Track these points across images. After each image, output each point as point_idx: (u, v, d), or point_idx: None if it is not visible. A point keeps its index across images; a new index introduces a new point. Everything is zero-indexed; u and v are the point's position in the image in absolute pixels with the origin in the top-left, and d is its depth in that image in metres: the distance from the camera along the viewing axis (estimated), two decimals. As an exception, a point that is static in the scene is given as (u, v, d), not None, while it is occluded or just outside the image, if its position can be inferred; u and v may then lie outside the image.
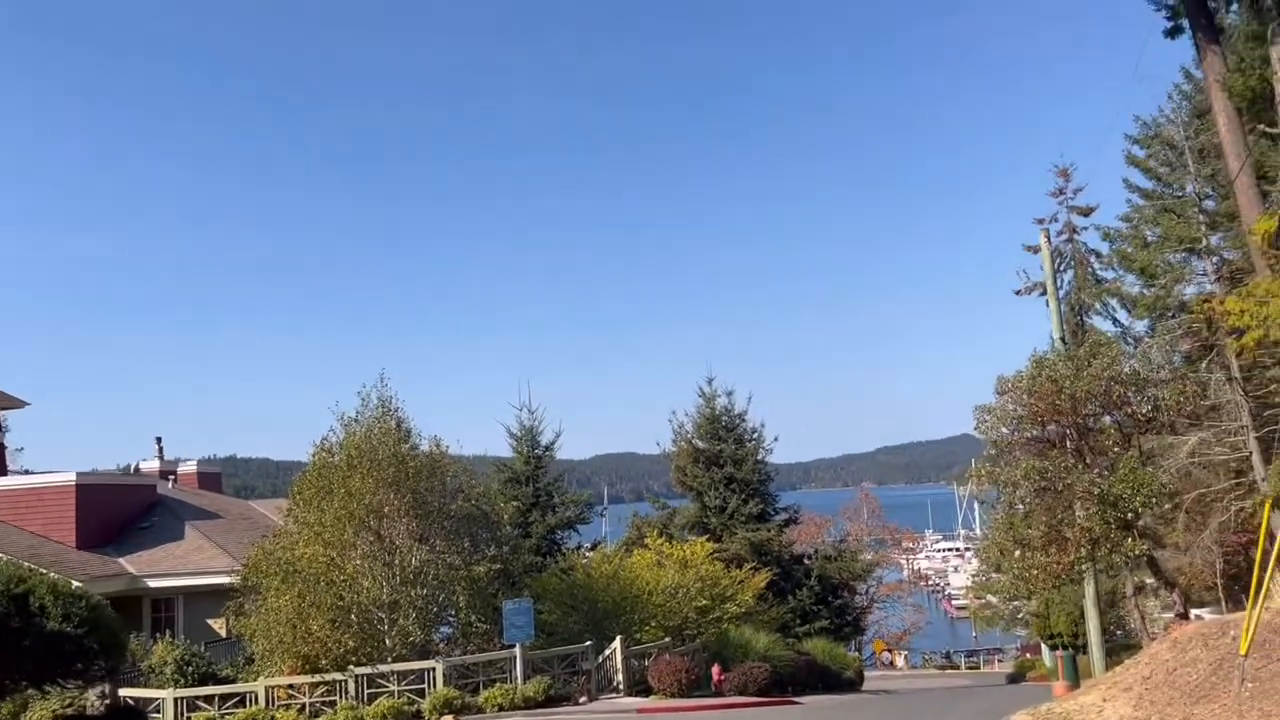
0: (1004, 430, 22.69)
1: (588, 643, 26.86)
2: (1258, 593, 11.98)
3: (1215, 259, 32.03)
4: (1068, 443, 22.47)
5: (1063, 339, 26.11)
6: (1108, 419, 22.91)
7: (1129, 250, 34.00)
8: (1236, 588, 38.87)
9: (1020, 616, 74.13)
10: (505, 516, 29.59)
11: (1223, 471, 32.33)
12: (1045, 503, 21.52)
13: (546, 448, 39.76)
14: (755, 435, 43.41)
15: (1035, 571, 21.50)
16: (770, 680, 28.63)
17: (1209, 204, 32.43)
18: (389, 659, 25.17)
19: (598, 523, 56.13)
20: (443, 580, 25.89)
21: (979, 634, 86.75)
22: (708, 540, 34.51)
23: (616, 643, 27.19)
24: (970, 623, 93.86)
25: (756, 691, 27.84)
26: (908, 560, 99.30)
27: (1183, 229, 31.23)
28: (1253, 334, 14.98)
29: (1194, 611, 45.08)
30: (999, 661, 73.01)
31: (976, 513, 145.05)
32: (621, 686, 26.87)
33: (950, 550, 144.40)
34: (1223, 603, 35.18)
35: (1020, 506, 22.10)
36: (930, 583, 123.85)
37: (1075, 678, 21.12)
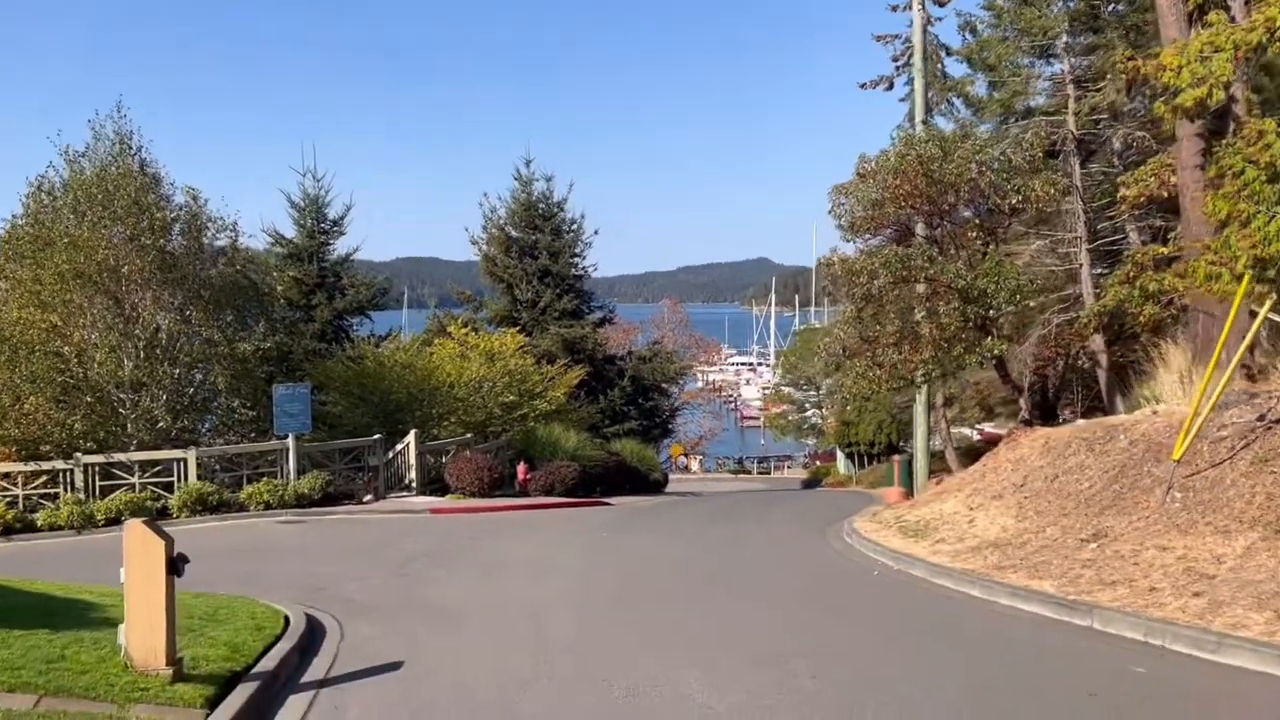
0: (860, 213, 20.25)
1: (376, 436, 23.52)
2: (1207, 390, 9.92)
3: (1069, 62, 30.30)
4: (923, 232, 20.38)
5: (924, 122, 23.70)
6: (967, 213, 20.90)
7: (981, 44, 31.78)
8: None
9: (808, 426, 76.71)
10: (279, 289, 25.16)
11: (1047, 285, 31.80)
12: (901, 296, 19.46)
13: (335, 222, 34.60)
14: (574, 227, 39.80)
15: (879, 371, 19.65)
16: (578, 480, 26.46)
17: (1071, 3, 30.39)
18: (131, 446, 21.01)
19: (394, 315, 51.90)
20: (198, 358, 21.63)
21: (768, 442, 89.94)
22: (519, 334, 31.33)
23: (410, 437, 24.00)
24: (760, 431, 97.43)
25: (564, 491, 25.60)
26: (702, 373, 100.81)
27: (1045, 20, 29.09)
28: (1190, 94, 12.58)
29: (984, 426, 46.51)
30: (788, 468, 75.67)
31: (772, 329, 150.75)
32: (414, 485, 23.90)
33: (744, 364, 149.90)
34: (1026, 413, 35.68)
35: (872, 299, 19.95)
36: (724, 394, 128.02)
37: (910, 485, 19.80)
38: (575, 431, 29.42)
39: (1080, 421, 15.20)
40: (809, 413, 77.22)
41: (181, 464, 20.62)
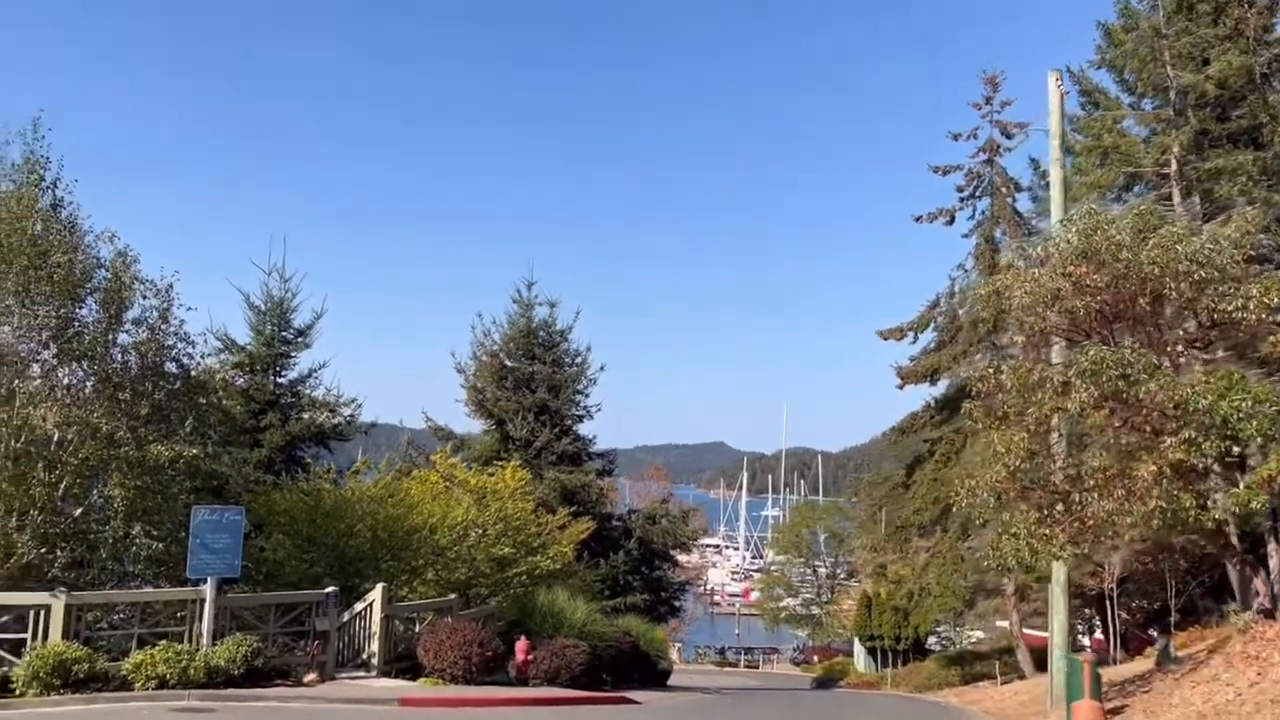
0: (1029, 313, 15.00)
1: (329, 590, 17.08)
2: None
3: (1178, 190, 26.22)
4: (1125, 339, 15.08)
5: (1061, 222, 18.93)
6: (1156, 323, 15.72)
7: (1077, 166, 27.80)
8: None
9: (796, 614, 69.31)
10: (218, 378, 19.06)
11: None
12: (1111, 421, 13.92)
13: (300, 332, 28.87)
14: (579, 360, 34.46)
15: (1058, 528, 13.92)
16: (587, 666, 19.98)
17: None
18: (-26, 586, 14.46)
19: (355, 453, 45.03)
20: (92, 464, 15.34)
21: (744, 631, 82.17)
22: (520, 469, 25.15)
23: (377, 594, 17.55)
24: (734, 619, 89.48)
25: (569, 680, 19.11)
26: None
27: (1164, 139, 25.12)
28: None
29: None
30: (776, 661, 67.91)
31: (743, 513, 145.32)
32: (375, 661, 17.28)
33: (710, 547, 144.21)
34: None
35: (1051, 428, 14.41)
36: (695, 576, 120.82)
37: (1099, 695, 13.78)
38: (584, 601, 22.98)
39: None
40: (799, 599, 70.13)
41: (41, 614, 14.05)
